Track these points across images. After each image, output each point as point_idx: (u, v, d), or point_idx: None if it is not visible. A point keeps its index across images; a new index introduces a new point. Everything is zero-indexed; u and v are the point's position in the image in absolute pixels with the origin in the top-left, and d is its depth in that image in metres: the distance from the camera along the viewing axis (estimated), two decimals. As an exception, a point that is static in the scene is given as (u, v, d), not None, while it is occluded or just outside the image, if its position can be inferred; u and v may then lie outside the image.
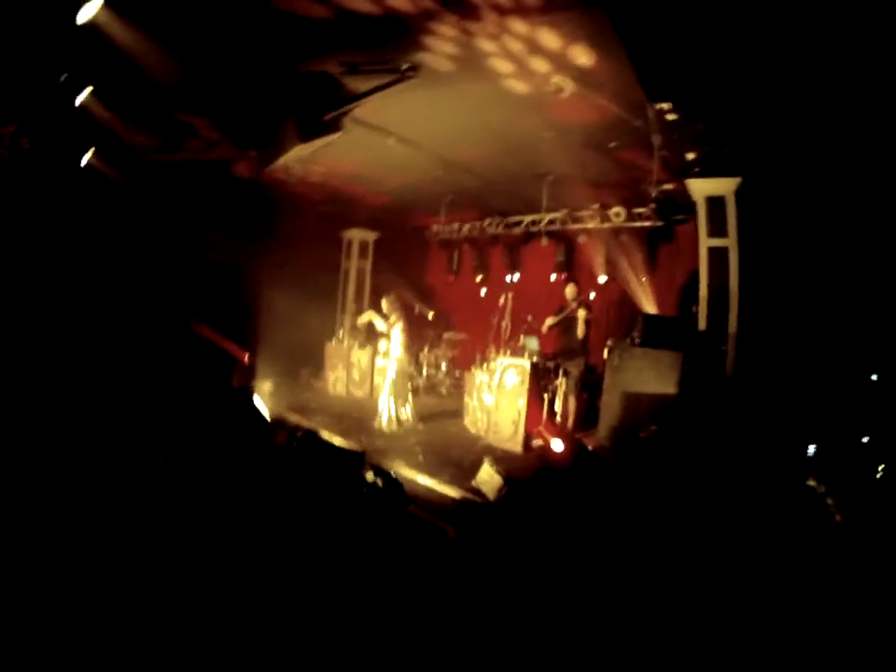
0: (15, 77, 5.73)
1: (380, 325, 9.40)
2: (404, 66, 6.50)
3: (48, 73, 5.84)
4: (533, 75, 6.37)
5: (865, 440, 6.22)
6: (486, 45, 5.95)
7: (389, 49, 6.25)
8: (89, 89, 6.43)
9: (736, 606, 3.73)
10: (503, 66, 6.35)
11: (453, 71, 6.56)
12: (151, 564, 3.67)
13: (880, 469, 5.66)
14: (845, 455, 6.10)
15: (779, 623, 3.54)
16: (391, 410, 9.12)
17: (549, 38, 5.61)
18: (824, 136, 6.31)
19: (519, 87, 6.73)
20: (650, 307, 10.11)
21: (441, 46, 6.17)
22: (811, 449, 6.19)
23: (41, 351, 6.02)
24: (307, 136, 7.26)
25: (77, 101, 6.45)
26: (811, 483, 5.15)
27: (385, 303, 9.49)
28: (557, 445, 7.19)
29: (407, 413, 9.29)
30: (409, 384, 9.60)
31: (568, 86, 6.36)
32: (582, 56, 5.77)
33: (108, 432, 5.12)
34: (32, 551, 3.57)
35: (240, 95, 7.48)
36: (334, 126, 7.40)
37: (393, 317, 9.30)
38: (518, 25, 5.48)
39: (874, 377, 6.82)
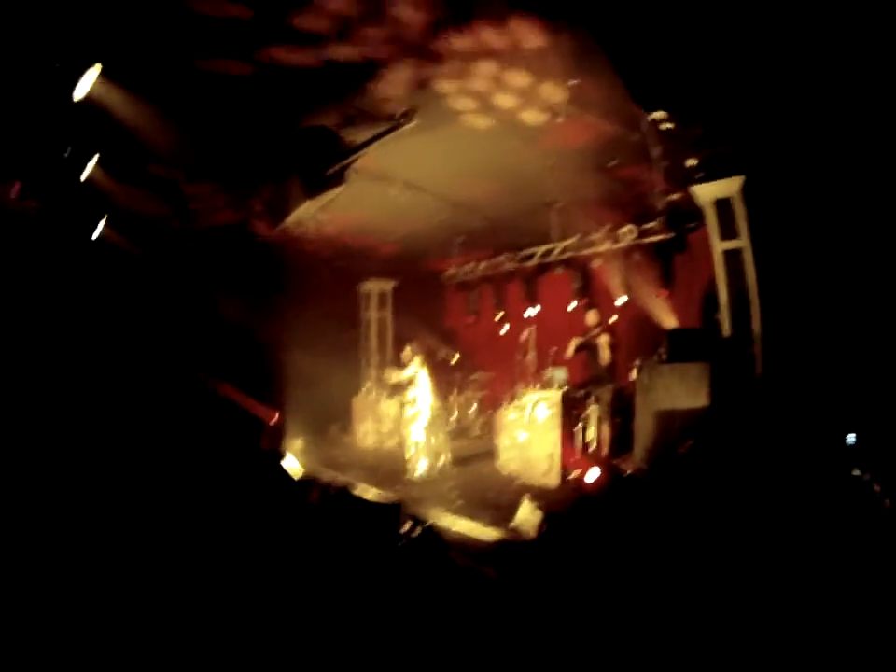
0: (18, 145, 5.87)
1: (407, 372, 9.38)
2: (398, 113, 6.59)
3: (52, 145, 5.97)
4: (528, 105, 6.44)
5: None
6: (482, 84, 6.07)
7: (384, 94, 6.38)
8: (94, 161, 6.57)
9: (801, 620, 3.54)
10: (498, 102, 6.47)
11: (451, 112, 6.68)
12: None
13: None
14: (885, 440, 5.87)
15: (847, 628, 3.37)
16: (428, 457, 9.02)
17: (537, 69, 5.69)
18: (823, 125, 6.22)
19: (514, 120, 6.80)
20: (672, 322, 9.95)
21: (443, 88, 6.31)
22: (851, 438, 5.96)
23: (56, 429, 6.04)
24: (312, 192, 7.35)
25: (84, 174, 6.59)
26: (855, 472, 4.96)
27: (406, 351, 9.54)
28: (593, 473, 7.03)
29: (444, 458, 9.17)
30: (444, 428, 9.49)
31: (562, 111, 6.38)
32: (570, 78, 5.82)
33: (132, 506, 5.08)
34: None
35: (242, 157, 7.62)
36: (338, 179, 7.48)
37: (416, 364, 9.28)
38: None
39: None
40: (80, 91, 5.20)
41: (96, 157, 6.51)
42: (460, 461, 9.62)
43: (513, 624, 4.00)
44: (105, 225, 7.97)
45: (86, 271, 8.13)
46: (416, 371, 9.29)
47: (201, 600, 3.89)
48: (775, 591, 3.82)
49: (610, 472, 6.68)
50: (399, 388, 10.27)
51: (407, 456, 9.28)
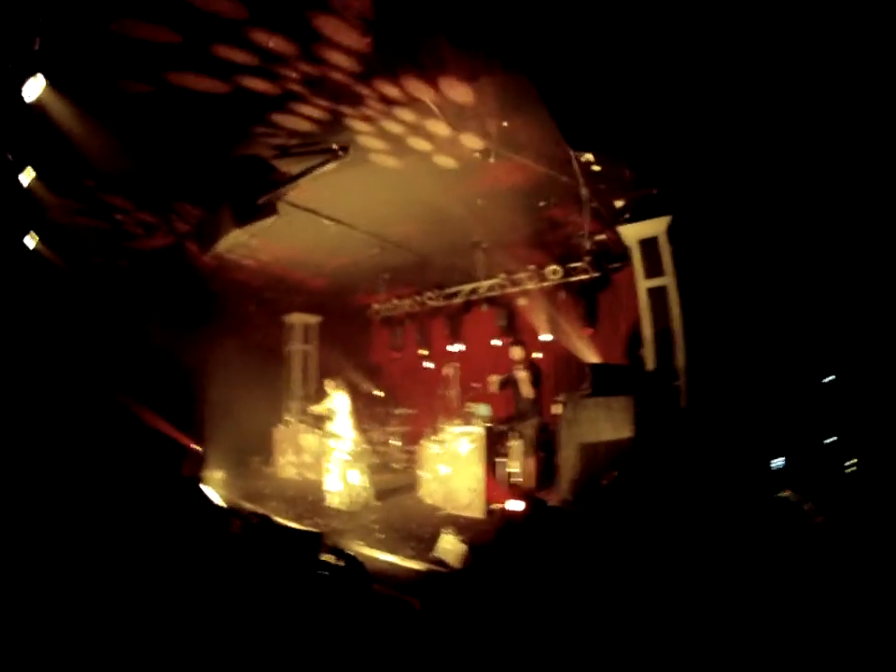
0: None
1: (329, 404, 9.36)
2: (335, 146, 6.65)
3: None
4: (454, 147, 6.62)
5: (830, 440, 6.38)
6: (408, 118, 6.21)
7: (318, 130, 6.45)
8: (31, 171, 6.38)
9: (732, 643, 3.65)
10: (423, 145, 6.67)
11: (381, 150, 6.80)
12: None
13: (850, 465, 5.78)
14: (812, 460, 6.21)
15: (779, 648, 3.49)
16: (348, 489, 8.90)
17: (468, 106, 5.87)
18: (747, 166, 6.62)
19: (443, 160, 6.98)
20: (596, 358, 10.26)
21: (364, 128, 6.43)
22: (778, 462, 6.28)
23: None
24: (243, 221, 7.30)
25: (24, 180, 6.39)
26: (784, 494, 5.19)
27: (328, 385, 9.57)
28: (514, 505, 7.10)
29: (365, 491, 9.07)
30: (365, 461, 9.41)
31: (493, 152, 6.58)
32: (501, 119, 6.03)
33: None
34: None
35: (177, 181, 7.51)
36: (269, 210, 7.47)
37: (339, 397, 9.29)
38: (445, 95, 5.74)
39: (827, 379, 7.03)
40: (29, 96, 5.09)
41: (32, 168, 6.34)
42: (383, 494, 9.52)
43: (438, 653, 3.99)
44: (37, 239, 7.70)
45: (11, 282, 7.75)
46: (338, 404, 9.26)
47: (118, 628, 3.72)
48: (702, 616, 3.93)
49: (533, 503, 6.76)
50: (320, 420, 10.15)
51: (326, 488, 9.15)
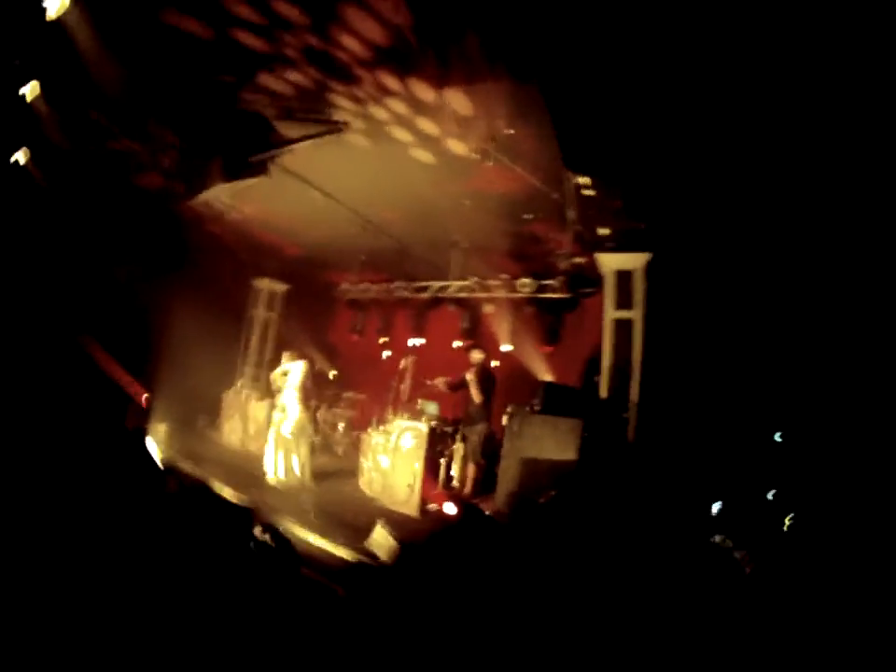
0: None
1: (291, 378, 9.17)
2: (337, 118, 6.60)
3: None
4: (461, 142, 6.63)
5: (771, 495, 6.56)
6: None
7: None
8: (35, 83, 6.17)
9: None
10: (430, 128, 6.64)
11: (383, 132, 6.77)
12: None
13: (787, 520, 5.96)
14: (750, 510, 6.38)
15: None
16: (282, 463, 8.84)
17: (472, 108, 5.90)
18: (730, 215, 6.79)
19: (429, 156, 7.02)
20: (551, 376, 10.36)
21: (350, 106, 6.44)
22: (715, 507, 6.44)
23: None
24: (232, 176, 7.20)
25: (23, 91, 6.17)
26: (717, 539, 5.31)
27: (285, 357, 9.46)
28: (450, 508, 7.16)
29: (304, 469, 9.01)
30: (307, 439, 9.36)
31: (492, 156, 6.60)
32: (508, 125, 6.08)
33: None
34: None
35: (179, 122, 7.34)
36: (260, 169, 7.37)
37: (293, 370, 9.18)
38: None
39: (777, 436, 7.25)
40: (52, 8, 4.95)
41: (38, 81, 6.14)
42: (321, 477, 9.48)
43: (357, 642, 4.00)
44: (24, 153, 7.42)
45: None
46: (290, 377, 9.14)
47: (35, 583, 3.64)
48: (618, 646, 4.01)
49: (467, 509, 6.79)
50: (269, 390, 10.01)
51: (265, 460, 9.05)
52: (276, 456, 8.91)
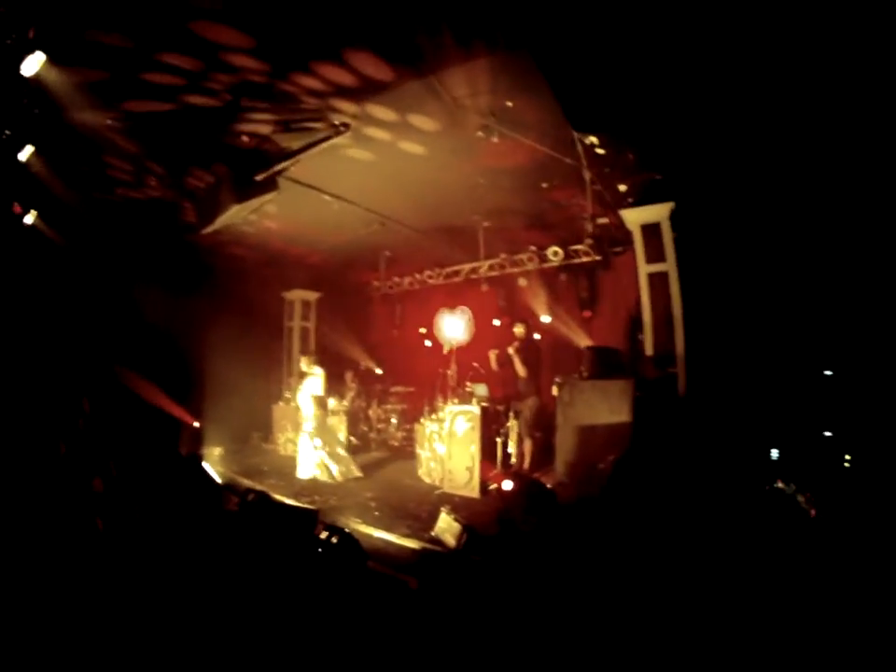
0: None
1: (309, 385, 9.54)
2: (336, 122, 6.58)
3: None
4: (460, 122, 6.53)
5: (828, 434, 6.39)
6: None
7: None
8: (30, 148, 6.31)
9: (726, 624, 3.66)
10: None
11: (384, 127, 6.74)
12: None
13: (847, 459, 5.80)
14: (809, 452, 6.22)
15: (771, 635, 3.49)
16: (312, 462, 9.29)
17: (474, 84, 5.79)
18: (750, 154, 6.57)
19: (449, 137, 6.90)
20: (595, 341, 10.23)
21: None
22: (774, 453, 6.29)
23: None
24: (242, 196, 7.23)
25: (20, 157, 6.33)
26: (779, 485, 5.20)
27: (304, 362, 9.80)
28: (507, 485, 7.14)
29: (339, 466, 9.34)
30: (331, 436, 9.74)
31: (495, 131, 6.50)
32: (507, 98, 5.94)
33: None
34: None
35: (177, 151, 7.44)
36: (269, 185, 7.39)
37: (313, 374, 9.54)
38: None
39: (827, 373, 7.04)
40: (28, 70, 5.03)
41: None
42: (381, 471, 9.73)
43: (434, 632, 4.02)
44: (35, 214, 7.62)
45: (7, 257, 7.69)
46: (307, 383, 9.52)
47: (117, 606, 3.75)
48: (697, 604, 3.95)
49: (521, 482, 6.74)
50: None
51: (298, 460, 9.54)
52: (304, 457, 9.37)
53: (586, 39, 4.78)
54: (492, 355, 9.32)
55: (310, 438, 9.35)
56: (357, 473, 9.44)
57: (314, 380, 9.45)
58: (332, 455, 9.36)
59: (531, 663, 3.55)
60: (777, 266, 7.20)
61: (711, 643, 3.48)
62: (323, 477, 9.17)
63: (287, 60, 5.52)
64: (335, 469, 9.23)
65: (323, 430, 9.49)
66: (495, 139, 6.59)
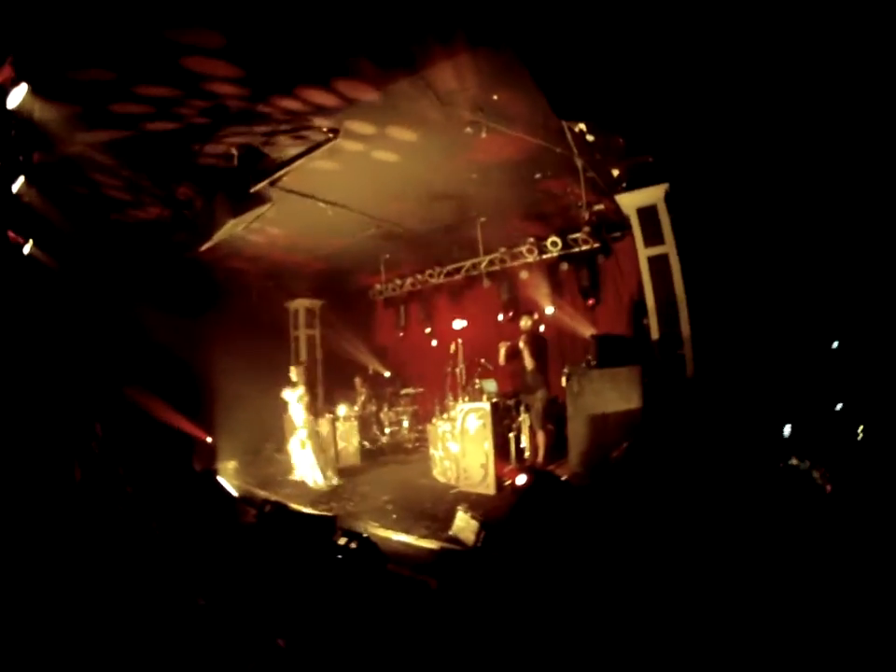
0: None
1: (288, 395, 9.71)
2: (324, 129, 6.59)
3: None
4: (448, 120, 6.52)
5: (839, 407, 6.35)
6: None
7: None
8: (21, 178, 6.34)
9: (742, 608, 3.65)
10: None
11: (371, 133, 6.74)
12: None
13: (860, 431, 5.76)
14: (822, 426, 6.18)
15: (787, 617, 3.48)
16: (303, 468, 9.59)
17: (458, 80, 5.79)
18: (741, 131, 6.54)
19: (438, 134, 6.89)
20: (601, 328, 10.23)
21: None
22: (787, 429, 6.25)
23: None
24: (237, 210, 7.24)
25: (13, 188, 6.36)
26: (793, 461, 5.17)
27: (293, 372, 9.87)
28: (521, 479, 7.13)
29: (325, 472, 9.54)
30: (318, 443, 9.83)
31: (484, 126, 6.50)
32: (492, 92, 5.94)
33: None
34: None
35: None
36: (263, 197, 7.40)
37: (300, 385, 9.65)
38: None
39: (834, 345, 7.00)
40: (13, 101, 5.05)
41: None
42: (396, 474, 9.83)
43: (456, 631, 4.03)
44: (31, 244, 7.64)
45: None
46: (298, 392, 9.65)
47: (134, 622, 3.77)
48: (716, 586, 3.93)
49: (534, 475, 6.73)
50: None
51: (294, 464, 9.88)
52: (297, 462, 9.75)
53: (567, 28, 4.77)
54: (502, 348, 9.30)
55: (301, 446, 9.55)
56: (336, 482, 9.55)
57: (299, 391, 9.60)
58: (316, 464, 9.52)
59: (551, 659, 3.54)
60: (778, 239, 7.16)
61: (731, 629, 3.47)
62: (309, 482, 9.41)
63: (272, 86, 5.62)
64: (319, 478, 9.41)
65: (310, 438, 9.60)
66: (484, 134, 6.60)
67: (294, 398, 9.56)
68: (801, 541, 4.19)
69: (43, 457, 5.74)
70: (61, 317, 8.23)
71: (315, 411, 10.02)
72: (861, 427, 5.79)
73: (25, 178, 6.34)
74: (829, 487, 4.86)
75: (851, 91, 5.58)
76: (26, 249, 7.43)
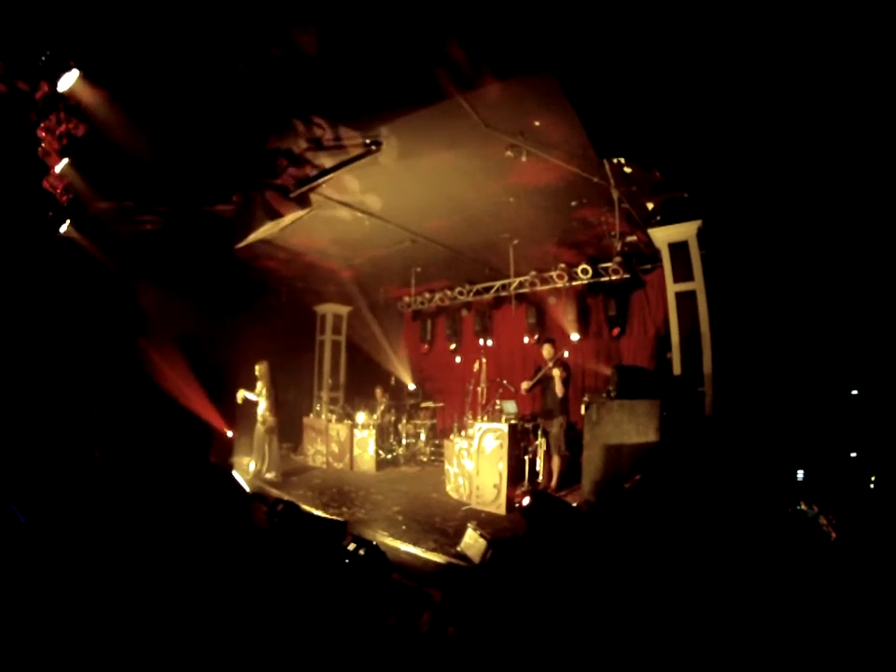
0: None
1: (250, 395, 10.36)
2: (367, 140, 6.71)
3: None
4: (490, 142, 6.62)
5: (853, 455, 6.31)
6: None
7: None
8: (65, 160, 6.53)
9: (742, 644, 3.66)
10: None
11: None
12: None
13: (872, 480, 5.72)
14: (835, 473, 6.15)
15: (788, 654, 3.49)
16: (257, 461, 10.46)
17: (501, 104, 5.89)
18: (777, 172, 6.56)
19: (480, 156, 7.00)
20: (624, 360, 10.23)
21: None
22: (800, 474, 6.24)
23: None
24: (275, 214, 7.39)
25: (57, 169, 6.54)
26: (801, 506, 5.15)
27: (257, 369, 10.47)
28: (527, 501, 7.14)
29: (270, 465, 10.44)
30: (273, 440, 10.57)
31: (524, 151, 6.59)
32: (534, 118, 6.03)
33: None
34: None
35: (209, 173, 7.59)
36: (302, 202, 7.54)
37: (260, 382, 10.41)
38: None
39: (854, 392, 6.96)
40: (63, 85, 5.23)
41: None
42: (409, 486, 9.84)
43: (457, 643, 4.07)
44: (69, 224, 7.84)
45: (44, 269, 7.91)
46: (259, 389, 10.38)
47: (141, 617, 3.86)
48: (717, 623, 3.94)
49: (534, 496, 6.72)
50: (250, 404, 10.66)
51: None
52: (257, 451, 10.55)
53: (610, 65, 4.86)
54: (525, 385, 9.35)
55: (257, 439, 10.48)
56: (269, 476, 10.33)
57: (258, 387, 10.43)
58: (270, 454, 10.51)
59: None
60: (805, 284, 7.16)
61: (729, 661, 3.48)
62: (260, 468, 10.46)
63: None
64: (266, 466, 10.45)
65: (267, 433, 10.49)
66: (523, 158, 6.69)
67: (254, 395, 10.37)
68: (802, 585, 4.18)
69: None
70: (93, 302, 8.43)
71: (274, 409, 10.53)
72: (874, 477, 5.75)
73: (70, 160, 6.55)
74: (834, 535, 4.83)
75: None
76: (62, 228, 7.63)
